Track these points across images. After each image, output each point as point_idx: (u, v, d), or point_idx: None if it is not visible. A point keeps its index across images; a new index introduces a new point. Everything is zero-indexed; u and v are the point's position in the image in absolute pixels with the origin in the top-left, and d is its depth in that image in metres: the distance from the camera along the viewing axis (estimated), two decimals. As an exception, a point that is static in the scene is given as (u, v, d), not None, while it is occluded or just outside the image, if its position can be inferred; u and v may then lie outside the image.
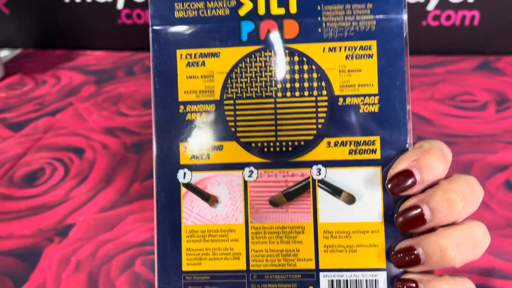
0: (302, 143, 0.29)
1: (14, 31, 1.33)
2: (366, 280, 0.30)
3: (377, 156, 0.29)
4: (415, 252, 0.27)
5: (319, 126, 0.29)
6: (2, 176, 0.79)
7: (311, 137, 0.29)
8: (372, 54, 0.28)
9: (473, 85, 1.01)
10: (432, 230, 0.28)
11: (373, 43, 0.28)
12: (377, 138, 0.29)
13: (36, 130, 0.92)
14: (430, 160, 0.27)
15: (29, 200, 0.73)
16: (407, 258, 0.27)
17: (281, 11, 0.28)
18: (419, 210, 0.27)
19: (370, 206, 0.30)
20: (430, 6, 1.13)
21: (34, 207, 0.72)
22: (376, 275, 0.30)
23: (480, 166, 0.75)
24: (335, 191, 0.29)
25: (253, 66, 0.29)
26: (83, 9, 1.26)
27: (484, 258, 0.59)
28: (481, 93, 0.98)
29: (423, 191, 0.28)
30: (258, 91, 0.29)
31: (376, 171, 0.29)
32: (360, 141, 0.29)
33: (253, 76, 0.30)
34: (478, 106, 0.93)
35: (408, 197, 0.29)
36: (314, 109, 0.29)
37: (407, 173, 0.27)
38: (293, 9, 0.28)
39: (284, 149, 0.29)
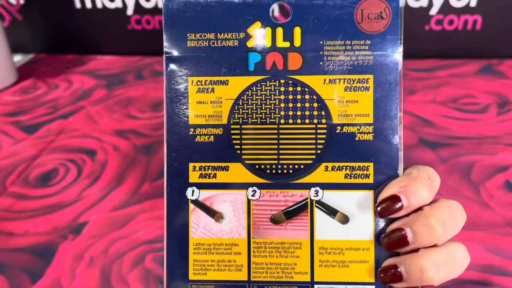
0: (302, 166, 0.31)
1: (26, 36, 1.36)
2: None
3: (370, 180, 0.32)
4: (398, 270, 0.30)
5: (318, 151, 0.31)
6: (17, 177, 0.82)
7: (310, 161, 0.32)
8: (369, 87, 0.31)
9: (475, 88, 1.03)
10: (415, 250, 0.31)
11: (370, 77, 0.31)
12: (370, 164, 0.32)
13: (49, 132, 0.95)
14: (416, 187, 0.30)
15: (43, 200, 0.76)
16: (390, 275, 0.30)
17: (286, 44, 0.30)
18: (402, 233, 0.30)
19: (362, 226, 0.32)
20: (433, 11, 1.15)
21: (48, 206, 0.75)
22: None
23: (481, 167, 0.77)
24: (331, 212, 0.31)
25: (258, 94, 0.32)
26: (94, 15, 1.29)
27: (483, 256, 0.61)
28: (483, 96, 1.00)
29: (408, 214, 0.31)
30: (263, 117, 0.32)
31: (369, 194, 0.32)
32: (355, 167, 0.32)
33: (259, 103, 0.32)
34: (480, 109, 0.95)
35: (396, 219, 0.31)
36: (314, 136, 0.32)
37: (395, 198, 0.30)
38: (297, 43, 0.31)
39: (285, 171, 0.32)
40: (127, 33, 1.30)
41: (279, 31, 0.31)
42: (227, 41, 0.32)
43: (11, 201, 0.76)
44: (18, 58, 1.34)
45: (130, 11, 1.27)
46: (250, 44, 0.31)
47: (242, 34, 0.31)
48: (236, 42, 0.32)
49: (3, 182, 0.81)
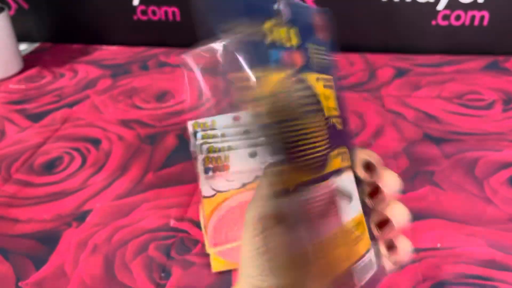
0: (323, 158, 0.32)
1: (32, 25, 1.36)
2: (368, 260, 0.33)
3: (350, 162, 0.35)
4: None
5: (326, 142, 0.33)
6: (22, 164, 0.82)
7: (324, 152, 0.33)
8: (332, 85, 0.34)
9: (480, 84, 1.03)
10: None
11: (331, 77, 0.34)
12: (346, 149, 0.35)
13: (54, 121, 0.96)
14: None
15: (48, 187, 0.76)
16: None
17: (293, 42, 0.32)
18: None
19: (356, 203, 0.34)
20: (440, 6, 1.14)
21: (53, 193, 0.75)
22: (370, 255, 0.33)
23: (485, 163, 0.77)
24: (347, 195, 0.32)
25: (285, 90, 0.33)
26: (100, 5, 1.29)
27: (485, 251, 0.61)
28: (488, 92, 0.99)
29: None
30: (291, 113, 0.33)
31: (351, 174, 0.35)
32: (343, 152, 0.34)
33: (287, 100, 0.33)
34: (485, 105, 0.95)
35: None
36: (324, 128, 0.33)
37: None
38: (295, 42, 0.33)
39: (318, 164, 0.33)
40: (133, 24, 1.29)
41: (289, 30, 0.32)
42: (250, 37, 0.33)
43: (15, 188, 0.76)
44: (23, 46, 1.34)
45: (136, 1, 1.26)
46: (268, 41, 0.32)
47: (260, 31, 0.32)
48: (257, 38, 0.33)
49: (8, 169, 0.81)
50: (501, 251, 0.61)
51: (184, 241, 0.64)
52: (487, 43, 1.17)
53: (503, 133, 0.85)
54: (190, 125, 0.56)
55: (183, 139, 0.87)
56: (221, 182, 0.52)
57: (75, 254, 0.63)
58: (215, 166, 0.51)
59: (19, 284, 0.59)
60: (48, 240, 0.66)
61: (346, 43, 1.22)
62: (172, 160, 0.81)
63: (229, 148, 0.52)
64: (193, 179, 0.76)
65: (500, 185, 0.72)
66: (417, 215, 0.67)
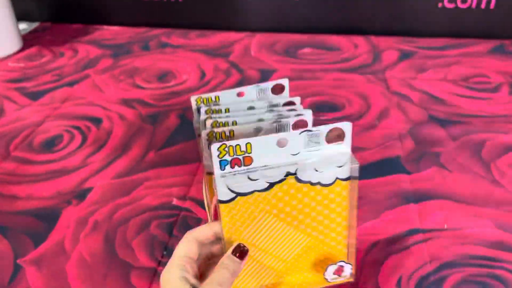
0: None
1: (32, 4, 1.34)
2: None
3: None
4: None
5: None
6: (21, 142, 0.81)
7: None
8: None
9: (487, 67, 1.01)
10: None
11: None
12: None
13: (54, 99, 0.94)
14: None
15: (47, 165, 0.75)
16: None
17: None
18: None
19: None
20: (447, -12, 1.12)
21: (52, 171, 0.74)
22: None
23: (492, 145, 0.76)
24: None
25: None
26: (100, -17, 1.27)
27: (493, 232, 0.60)
28: (495, 75, 0.98)
29: None
30: None
31: None
32: None
33: None
34: (491, 88, 0.93)
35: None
36: None
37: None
38: None
39: None
40: (134, 4, 1.27)
41: None
42: None
43: (14, 165, 0.75)
44: (23, 26, 1.32)
45: (137, -20, 1.24)
46: None
47: None
48: None
49: (7, 147, 0.80)
50: (509, 232, 0.60)
51: (187, 220, 0.63)
52: (493, 27, 1.15)
53: (510, 115, 0.84)
54: (193, 100, 0.55)
55: (185, 119, 0.86)
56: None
57: (75, 232, 0.62)
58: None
59: (17, 261, 0.58)
60: (47, 218, 0.65)
61: (350, 25, 1.20)
62: (174, 140, 0.80)
63: (234, 124, 0.51)
64: (196, 159, 0.75)
65: (507, 167, 0.71)
66: (423, 196, 0.66)
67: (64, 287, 0.54)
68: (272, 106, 0.54)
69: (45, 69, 1.07)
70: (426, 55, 1.08)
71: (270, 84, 0.55)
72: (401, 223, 0.61)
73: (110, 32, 1.26)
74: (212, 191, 0.53)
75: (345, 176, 0.40)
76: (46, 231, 0.63)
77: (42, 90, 0.98)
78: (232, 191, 0.39)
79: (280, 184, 0.40)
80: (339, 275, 0.46)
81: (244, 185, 0.39)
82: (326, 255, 0.45)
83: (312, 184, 0.40)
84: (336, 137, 0.39)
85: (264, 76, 1.00)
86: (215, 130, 0.49)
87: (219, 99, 0.55)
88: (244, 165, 0.39)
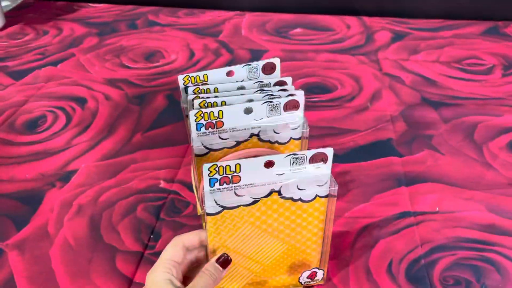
0: None
1: (14, -20, 1.29)
2: None
3: None
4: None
5: None
6: (2, 122, 0.78)
7: None
8: None
9: (480, 49, 1.00)
10: None
11: None
12: None
13: (37, 79, 0.91)
14: None
15: (30, 146, 0.73)
16: None
17: None
18: None
19: None
20: (441, -32, 1.10)
21: (35, 153, 0.71)
22: None
23: (485, 127, 0.75)
24: None
25: None
26: (85, -41, 1.23)
27: (485, 216, 0.59)
28: (488, 57, 0.96)
29: None
30: None
31: None
32: None
33: None
34: (485, 70, 0.92)
35: None
36: None
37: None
38: None
39: None
40: (120, -20, 1.23)
41: None
42: None
43: (-4, 147, 0.73)
44: (5, 3, 1.27)
45: (123, -44, 1.20)
46: None
47: None
48: None
49: (-12, 127, 0.77)
50: (500, 216, 0.59)
51: (175, 203, 0.62)
52: (486, 8, 1.14)
53: (502, 98, 0.83)
54: (180, 80, 0.53)
55: (173, 99, 0.84)
56: (214, 139, 0.49)
57: (58, 215, 0.60)
58: (208, 122, 0.48)
59: None
60: (30, 200, 0.63)
61: (342, 6, 1.18)
62: (162, 121, 0.78)
63: (223, 104, 0.49)
64: (184, 141, 0.73)
65: (499, 150, 0.70)
66: (415, 179, 0.65)
67: (47, 272, 0.53)
68: (263, 86, 0.52)
69: (28, 48, 1.03)
70: (418, 37, 1.06)
71: (260, 63, 0.53)
72: (392, 206, 0.61)
73: (96, 10, 1.23)
74: (200, 173, 0.52)
75: (324, 194, 0.44)
76: (29, 214, 0.61)
77: (25, 69, 0.94)
78: (219, 205, 0.42)
79: (265, 199, 0.43)
80: (312, 279, 0.51)
81: (231, 200, 0.42)
82: (302, 261, 0.49)
83: (294, 200, 0.44)
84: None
85: (255, 56, 0.98)
86: (204, 110, 0.47)
87: (207, 78, 0.53)
88: (232, 183, 0.41)
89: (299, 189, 0.43)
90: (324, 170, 0.43)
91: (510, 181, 0.64)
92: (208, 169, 0.39)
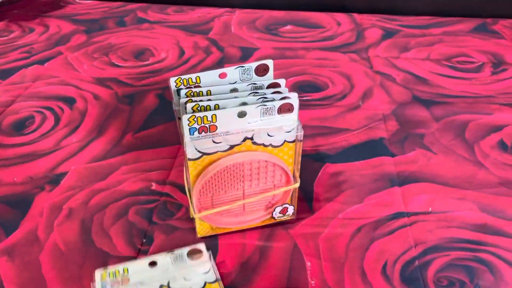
0: None
1: (-2, -24, 1.27)
2: None
3: None
4: None
5: None
6: (-11, 124, 0.77)
7: None
8: None
9: (469, 46, 1.00)
10: None
11: None
12: None
13: (24, 78, 0.89)
14: None
15: (18, 148, 0.71)
16: None
17: None
18: None
19: None
20: (431, -35, 1.10)
21: (23, 155, 0.70)
22: None
23: (475, 126, 0.75)
24: None
25: None
26: (71, -45, 1.20)
27: (477, 215, 0.59)
28: (477, 54, 0.97)
29: None
30: None
31: None
32: None
33: None
34: (474, 68, 0.92)
35: None
36: None
37: None
38: None
39: None
40: (108, -23, 1.22)
41: None
42: None
43: (-17, 149, 0.71)
44: (-11, -1, 1.25)
45: (111, -48, 1.18)
46: None
47: None
48: None
49: (-26, 129, 0.76)
50: (492, 215, 0.59)
51: (167, 205, 0.61)
52: (475, 5, 1.14)
53: (492, 96, 0.83)
54: (172, 82, 0.52)
55: (164, 99, 0.83)
56: (207, 143, 0.49)
57: (48, 219, 0.59)
58: (201, 127, 0.47)
59: (-11, 250, 0.55)
60: (19, 204, 0.62)
61: (332, 3, 1.18)
62: (153, 121, 0.77)
63: (216, 107, 0.49)
64: (176, 141, 0.72)
65: (490, 149, 0.70)
66: (407, 179, 0.65)
67: (38, 278, 0.52)
68: (256, 88, 0.51)
69: (14, 46, 1.01)
70: (409, 34, 1.06)
71: (253, 65, 0.52)
72: (385, 207, 0.61)
73: (83, 7, 1.21)
74: (193, 176, 0.51)
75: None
76: (18, 219, 0.59)
77: (11, 68, 0.93)
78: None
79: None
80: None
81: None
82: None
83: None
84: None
85: (246, 54, 0.97)
86: (197, 114, 0.46)
87: (200, 80, 0.53)
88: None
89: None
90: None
91: (501, 180, 0.65)
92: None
